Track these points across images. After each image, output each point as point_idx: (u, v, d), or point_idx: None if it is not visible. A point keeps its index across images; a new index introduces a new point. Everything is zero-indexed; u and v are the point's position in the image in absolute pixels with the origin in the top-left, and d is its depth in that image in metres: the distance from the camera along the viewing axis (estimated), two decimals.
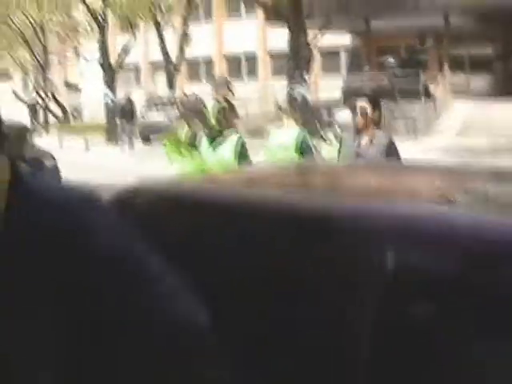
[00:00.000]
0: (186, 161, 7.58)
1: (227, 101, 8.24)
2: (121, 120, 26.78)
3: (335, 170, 4.06)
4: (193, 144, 7.62)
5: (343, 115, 8.75)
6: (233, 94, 8.57)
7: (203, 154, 7.29)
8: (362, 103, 6.29)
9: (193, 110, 8.00)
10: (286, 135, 8.15)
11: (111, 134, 28.28)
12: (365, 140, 6.24)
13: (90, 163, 21.12)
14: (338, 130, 8.62)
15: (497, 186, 3.00)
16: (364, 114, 6.20)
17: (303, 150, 7.69)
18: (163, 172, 7.48)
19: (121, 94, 28.31)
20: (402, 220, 2.32)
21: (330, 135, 9.60)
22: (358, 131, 6.30)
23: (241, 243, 2.55)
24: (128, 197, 2.99)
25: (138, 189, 3.12)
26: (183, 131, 7.80)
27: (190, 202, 2.92)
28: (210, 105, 8.19)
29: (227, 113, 7.28)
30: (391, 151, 6.13)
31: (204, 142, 7.37)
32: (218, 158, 7.00)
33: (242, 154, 7.02)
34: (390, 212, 2.41)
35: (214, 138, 7.17)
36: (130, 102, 26.96)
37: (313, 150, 8.00)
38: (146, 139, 27.14)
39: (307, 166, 4.62)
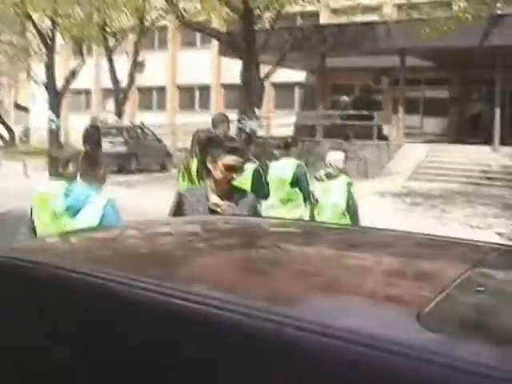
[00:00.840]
0: None
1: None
2: (84, 147, 24.25)
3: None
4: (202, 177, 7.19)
5: (335, 156, 8.34)
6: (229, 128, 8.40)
7: None
8: (234, 157, 4.68)
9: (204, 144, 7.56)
10: (282, 168, 8.18)
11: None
12: (223, 201, 4.65)
13: (25, 190, 20.18)
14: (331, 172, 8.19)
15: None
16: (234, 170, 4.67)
17: (299, 182, 8.26)
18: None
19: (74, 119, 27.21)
20: None
21: None
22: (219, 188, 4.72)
23: None
24: None
25: None
26: (193, 162, 7.19)
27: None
28: None
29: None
30: None
31: None
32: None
33: (258, 184, 6.56)
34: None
35: None
36: (96, 129, 24.35)
37: (308, 181, 8.32)
38: None
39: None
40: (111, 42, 30.19)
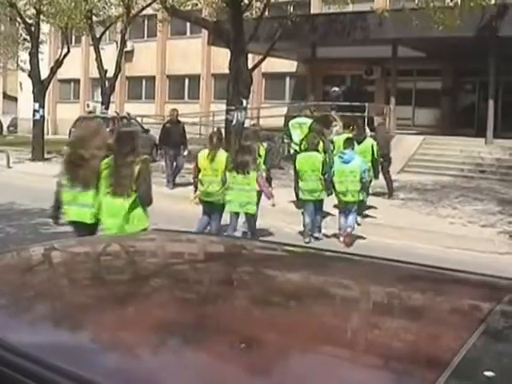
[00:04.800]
0: None
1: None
2: (163, 147, 19.31)
3: None
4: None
5: None
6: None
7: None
8: None
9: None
10: None
11: (38, 151, 26.56)
12: None
13: (4, 180, 19.98)
14: None
15: None
16: None
17: None
18: None
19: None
20: None
21: None
22: None
23: None
24: None
25: None
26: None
27: None
28: None
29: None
30: None
31: None
32: None
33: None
34: None
35: None
36: (178, 125, 19.33)
37: None
38: None
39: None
40: (99, 30, 29.56)
